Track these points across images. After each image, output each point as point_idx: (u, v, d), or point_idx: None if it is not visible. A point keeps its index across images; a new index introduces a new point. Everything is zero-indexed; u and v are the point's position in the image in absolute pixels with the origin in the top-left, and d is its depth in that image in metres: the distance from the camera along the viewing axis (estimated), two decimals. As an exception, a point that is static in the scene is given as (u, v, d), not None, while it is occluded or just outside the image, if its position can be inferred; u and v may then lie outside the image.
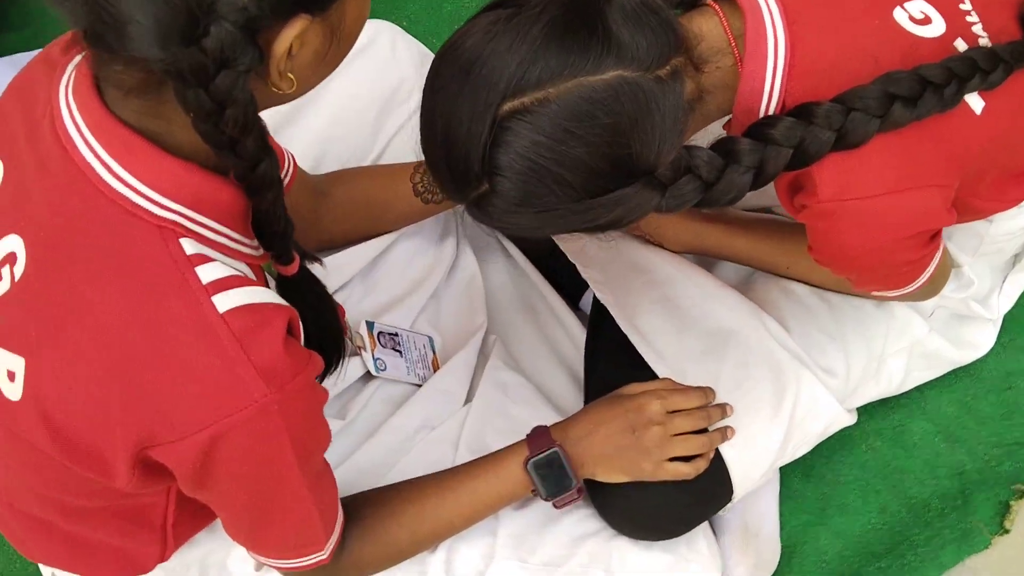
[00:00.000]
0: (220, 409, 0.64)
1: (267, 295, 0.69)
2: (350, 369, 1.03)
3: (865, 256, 0.82)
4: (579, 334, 1.19)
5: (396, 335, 1.07)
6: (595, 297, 1.16)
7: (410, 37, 1.21)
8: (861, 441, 1.22)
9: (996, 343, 1.19)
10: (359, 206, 1.08)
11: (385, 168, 1.11)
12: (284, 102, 0.69)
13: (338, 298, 1.07)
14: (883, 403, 1.20)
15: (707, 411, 0.97)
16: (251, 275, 0.72)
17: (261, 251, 0.76)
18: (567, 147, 0.70)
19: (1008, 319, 1.20)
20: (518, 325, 1.23)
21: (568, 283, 1.24)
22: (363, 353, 1.03)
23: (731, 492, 1.00)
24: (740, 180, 0.78)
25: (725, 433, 0.98)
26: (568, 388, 1.16)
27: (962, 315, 1.15)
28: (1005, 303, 1.15)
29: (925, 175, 0.80)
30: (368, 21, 1.21)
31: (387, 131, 1.16)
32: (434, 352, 1.12)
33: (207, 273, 0.66)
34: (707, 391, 0.98)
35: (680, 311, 1.07)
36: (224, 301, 0.65)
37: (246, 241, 0.72)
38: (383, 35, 1.18)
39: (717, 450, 0.98)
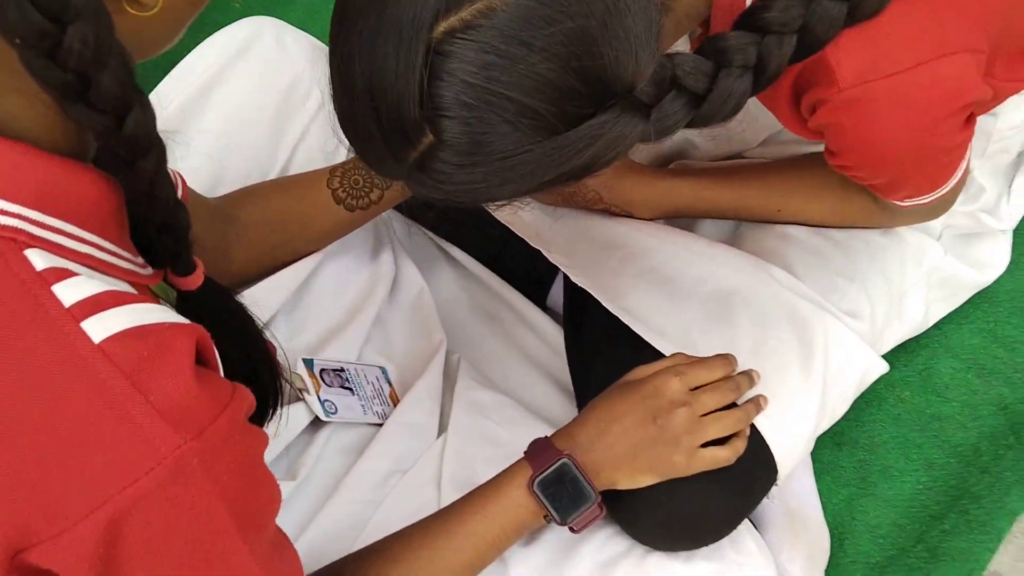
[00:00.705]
0: (115, 478, 0.45)
1: (160, 312, 0.50)
2: (293, 418, 0.84)
3: (902, 146, 0.68)
4: (554, 334, 1.02)
5: (342, 371, 0.89)
6: (567, 287, 1.00)
7: (298, 30, 1.04)
8: (888, 393, 1.07)
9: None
10: (274, 226, 0.90)
11: (297, 178, 0.94)
12: (149, 39, 0.51)
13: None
14: (903, 348, 1.06)
15: (734, 381, 0.80)
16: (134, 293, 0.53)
17: (149, 269, 0.57)
18: (526, 65, 0.54)
19: (1015, 234, 1.08)
20: (482, 338, 1.06)
21: (528, 280, 1.08)
22: (306, 397, 0.84)
23: (775, 473, 0.84)
24: (737, 85, 0.63)
25: (759, 403, 0.81)
26: (556, 398, 0.99)
27: (971, 233, 1.02)
28: (1016, 211, 1.03)
29: (955, 39, 0.66)
30: (245, 20, 1.07)
31: (290, 138, 0.99)
32: (390, 384, 0.94)
33: (70, 292, 0.47)
34: (729, 358, 0.82)
35: (671, 280, 0.92)
36: (99, 326, 0.46)
37: (123, 253, 0.54)
38: (265, 32, 1.01)
39: (752, 426, 0.81)
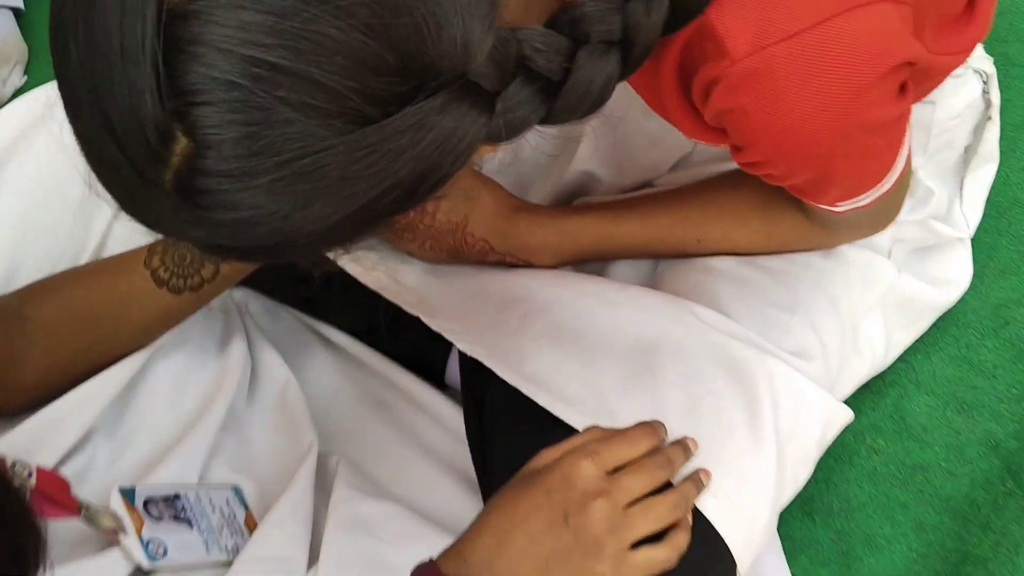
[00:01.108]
0: None
1: None
2: (102, 572, 0.64)
3: (821, 127, 0.53)
4: (453, 416, 0.84)
5: (176, 498, 0.69)
6: (463, 359, 0.82)
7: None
8: (858, 445, 0.90)
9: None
10: (80, 323, 0.73)
11: (106, 261, 0.77)
12: None
13: (70, 470, 0.70)
14: (867, 388, 0.89)
15: (663, 454, 0.63)
16: None
17: None
18: (303, 20, 0.38)
19: (974, 244, 0.93)
20: (368, 432, 0.87)
21: (421, 357, 0.90)
22: (122, 539, 0.65)
23: (733, 567, 0.65)
24: (601, 67, 0.49)
25: (699, 479, 0.64)
26: (464, 499, 0.81)
27: (925, 246, 0.87)
28: (971, 213, 0.88)
29: None
30: (45, 85, 0.90)
31: (102, 216, 0.81)
32: (246, 507, 0.75)
33: None
34: (655, 425, 0.65)
35: (580, 336, 0.75)
36: None
37: None
38: None
39: (696, 510, 0.64)
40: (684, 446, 0.64)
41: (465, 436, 0.82)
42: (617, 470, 0.61)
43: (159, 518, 0.66)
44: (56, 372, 0.72)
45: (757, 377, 0.70)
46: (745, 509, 0.66)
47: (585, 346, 0.74)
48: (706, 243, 0.80)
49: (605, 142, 0.88)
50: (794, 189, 0.63)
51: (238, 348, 0.83)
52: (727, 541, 0.64)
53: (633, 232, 0.80)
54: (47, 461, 0.69)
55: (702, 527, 0.63)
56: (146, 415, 0.77)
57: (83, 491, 0.66)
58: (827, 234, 0.77)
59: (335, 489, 0.77)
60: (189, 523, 0.68)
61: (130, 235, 0.79)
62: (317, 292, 0.89)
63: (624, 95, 0.85)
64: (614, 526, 0.58)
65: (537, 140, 0.83)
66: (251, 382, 0.84)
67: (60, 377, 0.72)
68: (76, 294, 0.73)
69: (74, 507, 0.60)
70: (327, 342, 0.91)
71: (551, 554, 0.57)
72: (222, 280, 0.76)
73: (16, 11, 1.33)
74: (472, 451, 0.80)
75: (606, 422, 0.67)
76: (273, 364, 0.84)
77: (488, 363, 0.74)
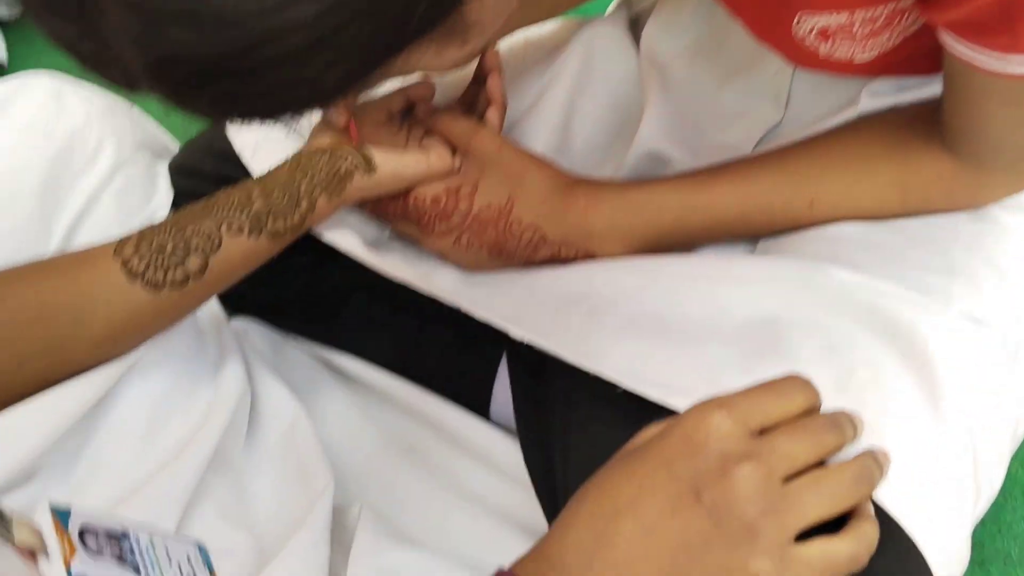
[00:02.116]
0: None
1: None
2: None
3: None
4: (505, 453, 0.66)
5: (124, 537, 0.50)
6: (515, 369, 0.65)
7: (87, 84, 0.74)
8: None
9: None
10: (28, 322, 0.55)
11: (69, 254, 0.60)
12: None
13: (16, 499, 0.52)
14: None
15: (829, 417, 0.44)
16: None
17: None
18: None
19: None
20: (397, 480, 0.69)
21: (460, 385, 0.72)
22: (43, 564, 0.45)
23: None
24: None
25: (878, 458, 0.44)
26: (517, 544, 0.60)
27: None
28: None
29: None
30: (11, 76, 0.76)
31: (67, 213, 0.66)
32: (210, 572, 0.55)
33: None
34: (804, 380, 0.46)
35: (668, 324, 0.57)
36: None
37: None
38: (34, 86, 0.70)
39: (877, 508, 0.44)
40: (847, 416, 0.45)
41: (521, 475, 0.64)
42: (765, 433, 0.42)
43: (96, 552, 0.47)
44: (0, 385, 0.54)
45: (928, 342, 0.51)
46: (938, 509, 0.46)
47: (681, 335, 0.56)
48: (821, 206, 0.62)
49: (671, 117, 0.72)
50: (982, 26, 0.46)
51: (233, 374, 0.65)
52: (923, 550, 0.44)
53: (726, 201, 0.64)
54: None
55: (887, 528, 0.43)
56: (112, 451, 0.59)
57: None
58: (977, 181, 0.60)
59: (356, 538, 0.58)
60: (136, 570, 0.49)
61: (101, 239, 0.64)
62: (328, 310, 0.72)
63: (689, 62, 0.73)
64: (772, 504, 0.39)
65: (588, 128, 0.72)
66: (251, 420, 0.66)
67: (6, 392, 0.54)
68: (25, 288, 0.56)
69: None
70: (343, 377, 0.74)
71: (679, 546, 0.38)
72: (215, 278, 0.59)
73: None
74: (538, 484, 0.60)
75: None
76: (277, 398, 0.67)
77: (558, 351, 0.56)
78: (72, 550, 0.45)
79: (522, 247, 0.66)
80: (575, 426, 0.56)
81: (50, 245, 0.64)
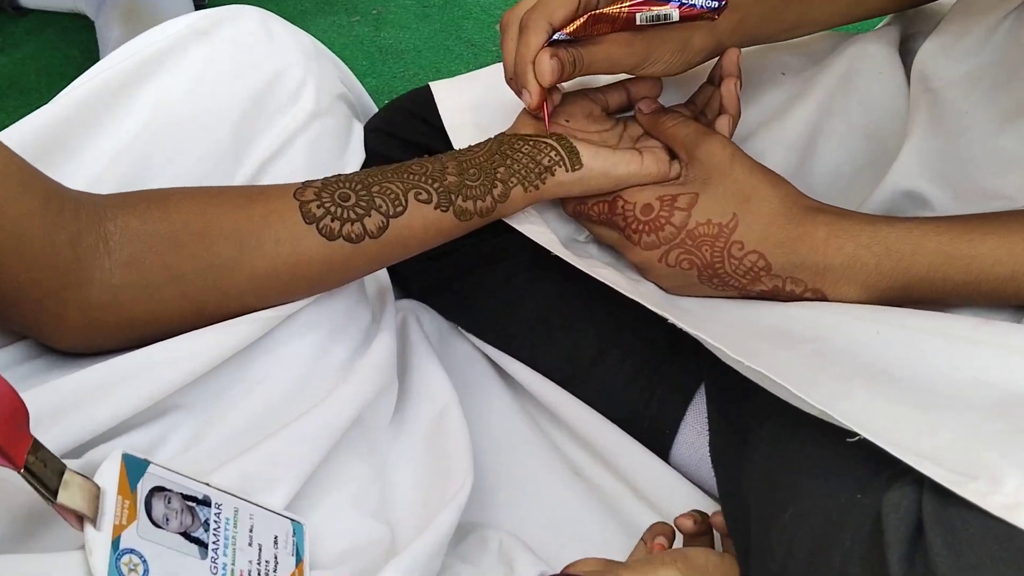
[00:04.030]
0: None
1: None
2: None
3: None
4: (687, 505, 0.57)
5: (203, 504, 0.44)
6: (715, 405, 0.56)
7: (295, 27, 0.70)
8: None
9: None
10: (192, 239, 0.52)
11: (248, 187, 0.57)
12: None
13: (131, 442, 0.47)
14: None
15: None
16: None
17: None
18: None
19: None
20: (554, 502, 0.63)
21: (640, 418, 0.63)
22: (87, 532, 0.39)
23: None
24: None
25: None
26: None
27: None
28: None
29: None
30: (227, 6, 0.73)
31: (258, 151, 0.62)
32: (299, 556, 0.47)
33: None
34: None
35: (913, 383, 0.48)
36: None
37: None
38: (246, 16, 0.67)
39: None
40: None
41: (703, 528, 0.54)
42: None
43: (161, 523, 0.40)
44: (136, 295, 0.50)
45: None
46: None
47: (926, 398, 0.46)
48: None
49: (937, 153, 0.61)
50: None
51: (384, 346, 0.59)
52: None
53: (996, 255, 0.53)
54: (91, 430, 0.46)
55: None
56: (245, 407, 0.53)
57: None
58: None
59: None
60: (203, 546, 0.42)
61: (289, 178, 0.59)
62: (503, 309, 0.65)
63: (968, 92, 0.62)
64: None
65: (835, 153, 0.62)
66: (401, 400, 0.61)
67: (141, 305, 0.50)
68: (193, 205, 0.53)
69: (19, 453, 0.35)
70: (511, 381, 0.67)
71: None
72: (392, 239, 0.55)
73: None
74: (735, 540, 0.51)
75: (986, 487, 0.38)
76: (433, 380, 0.62)
77: (778, 379, 0.48)
78: (132, 515, 0.39)
79: (739, 275, 0.57)
80: (783, 480, 0.48)
81: (235, 179, 0.60)
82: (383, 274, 0.65)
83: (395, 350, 0.60)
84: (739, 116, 0.61)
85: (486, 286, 0.66)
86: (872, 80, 0.64)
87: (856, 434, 0.44)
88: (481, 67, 0.73)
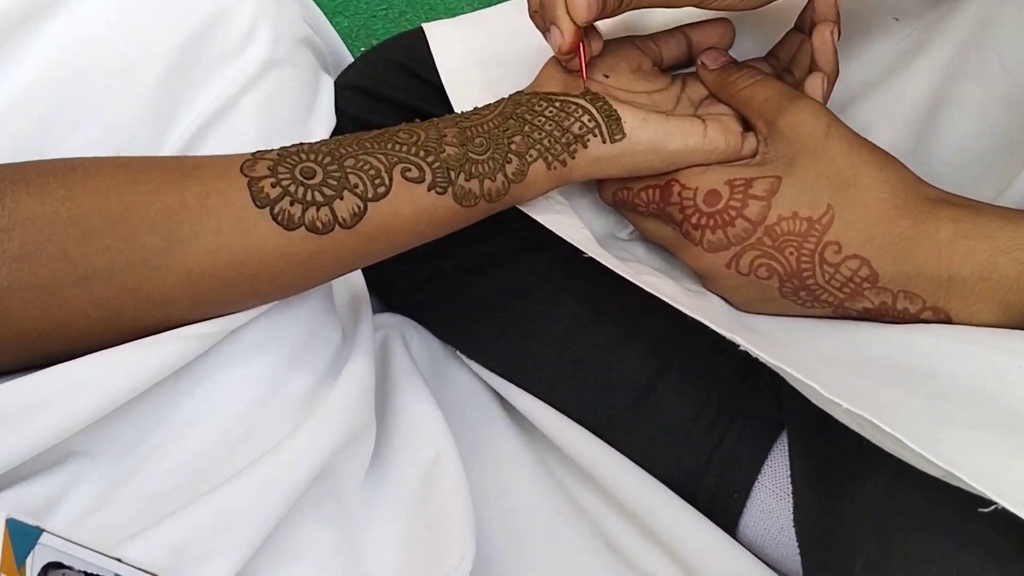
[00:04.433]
0: None
1: None
2: None
3: None
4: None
5: None
6: (799, 462, 0.50)
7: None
8: None
9: None
10: (103, 229, 0.43)
11: (180, 159, 0.47)
12: None
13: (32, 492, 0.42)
14: None
15: None
16: None
17: None
18: None
19: None
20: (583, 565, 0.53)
21: (693, 477, 0.53)
22: None
23: None
24: None
25: None
26: None
27: None
28: None
29: None
30: None
31: (188, 119, 0.51)
32: None
33: None
34: None
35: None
36: None
37: None
38: None
39: None
40: None
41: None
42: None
43: None
44: (29, 299, 0.40)
45: None
46: None
47: None
48: None
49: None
50: None
51: (358, 375, 0.48)
52: None
53: None
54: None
55: None
56: (177, 448, 0.44)
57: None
58: None
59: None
60: None
61: (236, 146, 0.49)
62: (513, 328, 0.58)
63: None
64: None
65: (967, 125, 0.56)
66: (380, 445, 0.51)
67: (36, 312, 0.40)
68: (105, 184, 0.42)
69: None
70: (526, 425, 0.58)
71: None
72: (369, 235, 0.45)
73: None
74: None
75: None
76: (423, 420, 0.51)
77: (892, 430, 0.40)
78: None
79: (835, 287, 0.48)
80: (898, 561, 0.41)
81: (165, 148, 0.50)
82: (358, 278, 0.56)
83: (372, 380, 0.50)
84: (836, 75, 0.52)
85: (493, 297, 0.57)
86: (1018, 29, 0.53)
87: (992, 502, 0.37)
88: (492, 3, 0.62)
